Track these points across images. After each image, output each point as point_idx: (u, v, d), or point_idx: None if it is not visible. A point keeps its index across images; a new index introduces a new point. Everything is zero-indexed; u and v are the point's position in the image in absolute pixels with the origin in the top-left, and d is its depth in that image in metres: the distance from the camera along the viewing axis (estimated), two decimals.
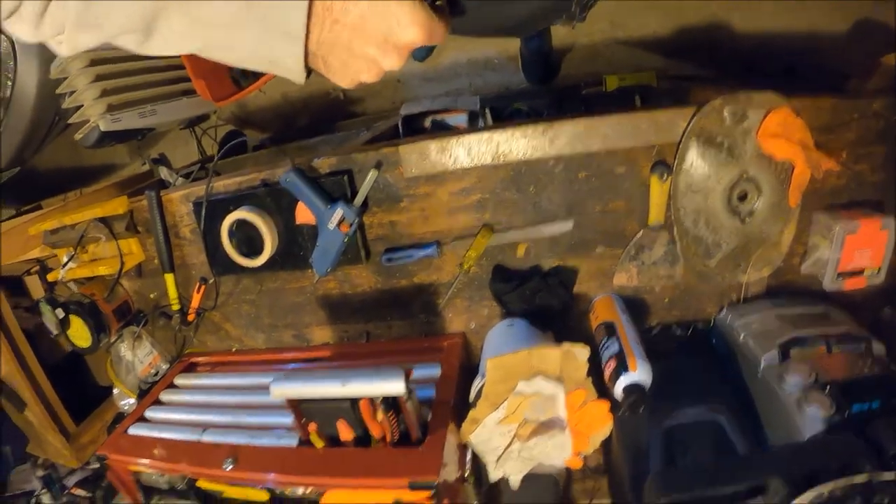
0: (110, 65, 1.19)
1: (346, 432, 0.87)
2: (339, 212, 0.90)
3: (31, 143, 1.44)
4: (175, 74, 1.35)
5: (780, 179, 0.84)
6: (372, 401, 0.85)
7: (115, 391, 1.19)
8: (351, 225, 0.92)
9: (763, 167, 0.84)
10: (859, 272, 0.89)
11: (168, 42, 0.44)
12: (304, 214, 0.95)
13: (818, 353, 0.84)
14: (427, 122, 1.15)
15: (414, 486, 0.78)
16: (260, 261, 0.98)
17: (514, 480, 0.96)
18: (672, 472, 0.78)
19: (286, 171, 0.92)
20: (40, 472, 1.34)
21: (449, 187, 0.93)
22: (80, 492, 1.32)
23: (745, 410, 0.87)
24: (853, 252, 0.87)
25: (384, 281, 1.02)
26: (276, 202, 0.96)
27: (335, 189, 0.93)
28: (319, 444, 0.89)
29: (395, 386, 0.79)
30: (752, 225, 0.88)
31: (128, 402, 1.18)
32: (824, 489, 0.66)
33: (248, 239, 0.98)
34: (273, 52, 0.44)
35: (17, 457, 1.26)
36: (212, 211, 0.99)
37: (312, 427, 0.89)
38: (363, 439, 0.88)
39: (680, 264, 0.92)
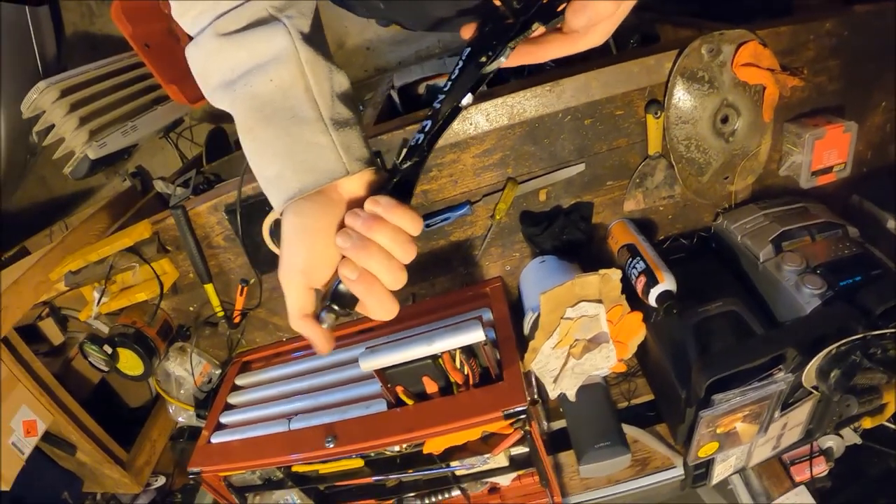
0: (81, 91, 1.15)
1: (431, 386, 0.97)
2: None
3: (6, 191, 1.36)
4: (144, 85, 1.31)
5: (754, 101, 0.97)
6: (451, 353, 0.95)
7: (172, 408, 1.21)
8: None
9: (739, 93, 0.96)
10: (828, 169, 1.01)
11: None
12: None
13: (805, 242, 0.98)
14: (421, 89, 1.20)
15: (508, 415, 0.89)
16: None
17: (571, 394, 1.10)
18: (710, 356, 0.91)
19: None
20: None
21: (472, 151, 1.00)
22: None
23: (753, 298, 1.00)
24: (822, 153, 0.98)
25: (424, 245, 1.10)
26: None
27: None
28: (410, 402, 0.98)
29: (475, 334, 0.89)
30: (734, 142, 1.01)
31: (185, 415, 1.21)
32: (831, 348, 0.80)
33: None
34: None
35: (76, 499, 1.25)
36: (247, 214, 1.02)
37: (400, 389, 0.98)
38: (447, 389, 0.98)
39: (678, 184, 1.05)
